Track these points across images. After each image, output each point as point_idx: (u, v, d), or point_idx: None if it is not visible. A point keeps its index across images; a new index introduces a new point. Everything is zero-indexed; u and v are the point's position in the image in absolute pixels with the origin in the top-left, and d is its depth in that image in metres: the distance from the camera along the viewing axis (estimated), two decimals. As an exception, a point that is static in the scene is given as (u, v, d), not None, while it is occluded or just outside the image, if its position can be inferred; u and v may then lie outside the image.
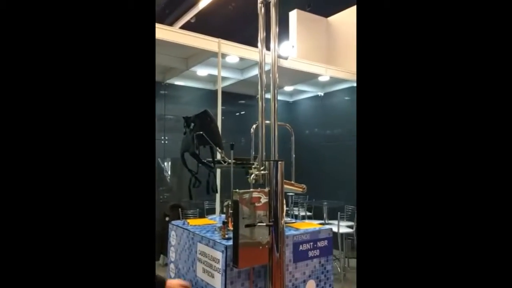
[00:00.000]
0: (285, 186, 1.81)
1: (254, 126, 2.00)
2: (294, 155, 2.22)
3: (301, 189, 2.02)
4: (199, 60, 3.73)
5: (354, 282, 3.38)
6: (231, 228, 1.55)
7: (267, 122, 1.67)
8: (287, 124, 2.06)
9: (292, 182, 2.12)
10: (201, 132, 1.60)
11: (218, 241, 1.53)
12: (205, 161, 1.68)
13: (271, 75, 1.61)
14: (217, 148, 1.66)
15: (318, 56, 4.86)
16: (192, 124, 1.66)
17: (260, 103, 1.76)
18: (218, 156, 1.72)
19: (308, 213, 4.39)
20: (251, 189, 1.51)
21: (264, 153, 1.72)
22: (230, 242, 1.46)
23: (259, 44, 1.74)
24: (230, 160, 1.70)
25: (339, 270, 3.49)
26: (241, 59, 3.72)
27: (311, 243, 1.75)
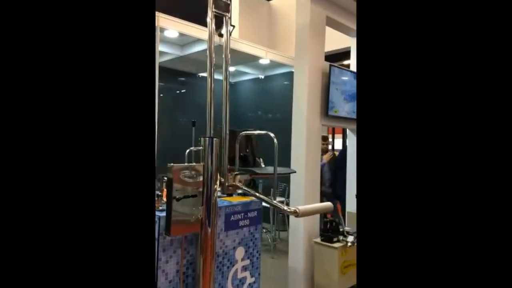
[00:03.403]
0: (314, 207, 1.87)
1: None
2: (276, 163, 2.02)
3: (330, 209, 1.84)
4: (136, 32, 3.55)
5: (283, 251, 3.70)
6: (165, 200, 1.62)
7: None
8: (270, 133, 1.88)
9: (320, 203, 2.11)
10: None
11: (152, 212, 1.59)
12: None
13: (207, 53, 1.66)
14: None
15: (259, 39, 4.96)
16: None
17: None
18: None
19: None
20: (186, 164, 1.59)
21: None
22: (163, 214, 1.53)
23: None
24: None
25: (270, 241, 3.79)
26: (181, 34, 3.64)
27: (242, 214, 1.91)
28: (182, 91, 5.11)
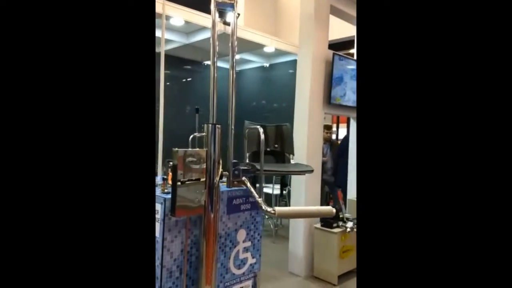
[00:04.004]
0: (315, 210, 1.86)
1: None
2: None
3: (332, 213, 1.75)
4: (142, 20, 3.58)
5: (284, 237, 3.80)
6: (170, 183, 1.69)
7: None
8: (260, 128, 1.82)
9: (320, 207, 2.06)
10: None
11: (158, 194, 1.67)
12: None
13: (210, 41, 1.71)
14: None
15: (265, 27, 4.95)
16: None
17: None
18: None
19: (248, 178, 4.69)
20: (189, 149, 1.66)
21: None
22: (169, 196, 1.61)
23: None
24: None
25: (272, 227, 3.89)
26: (187, 22, 3.66)
27: (243, 198, 1.99)
28: (188, 79, 5.16)
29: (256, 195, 1.65)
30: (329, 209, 1.48)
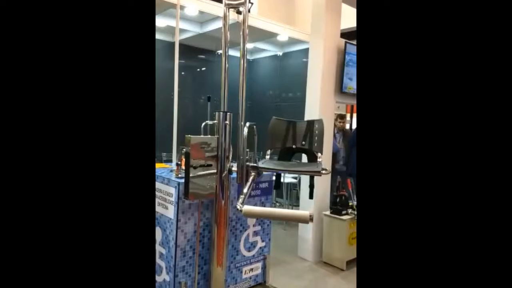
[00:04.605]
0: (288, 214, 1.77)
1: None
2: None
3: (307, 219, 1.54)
4: (158, 11, 3.65)
5: (294, 224, 3.88)
6: (183, 168, 1.78)
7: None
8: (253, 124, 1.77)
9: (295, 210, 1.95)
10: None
11: (173, 179, 1.76)
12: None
13: (222, 30, 1.75)
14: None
15: (279, 15, 4.93)
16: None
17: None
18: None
19: (261, 166, 4.76)
20: (201, 136, 1.74)
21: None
22: (182, 180, 1.70)
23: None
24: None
25: (283, 214, 3.98)
26: (201, 12, 3.70)
27: (254, 184, 2.06)
28: (203, 68, 5.22)
29: (245, 191, 1.63)
30: (304, 214, 1.33)
